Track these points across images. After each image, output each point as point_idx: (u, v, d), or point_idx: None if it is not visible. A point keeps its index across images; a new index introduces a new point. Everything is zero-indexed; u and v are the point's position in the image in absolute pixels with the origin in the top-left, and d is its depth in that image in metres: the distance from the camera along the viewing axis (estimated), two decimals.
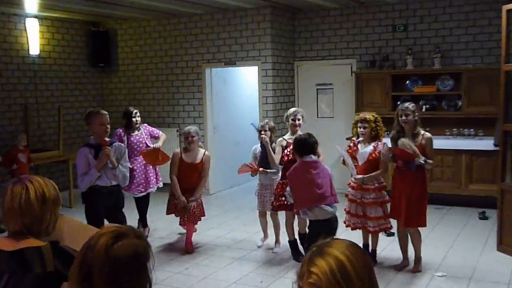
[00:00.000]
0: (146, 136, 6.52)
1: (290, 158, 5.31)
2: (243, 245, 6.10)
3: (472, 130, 7.65)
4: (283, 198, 5.32)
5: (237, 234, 6.59)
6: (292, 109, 5.68)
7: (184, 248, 5.98)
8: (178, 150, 6.06)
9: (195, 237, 6.18)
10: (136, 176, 6.34)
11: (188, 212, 5.83)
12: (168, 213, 6.05)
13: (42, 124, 8.80)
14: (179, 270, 5.39)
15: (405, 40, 8.25)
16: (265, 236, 6.06)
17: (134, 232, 1.60)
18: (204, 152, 6.03)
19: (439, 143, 7.41)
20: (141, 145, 6.45)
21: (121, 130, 6.45)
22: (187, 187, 5.90)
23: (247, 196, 8.21)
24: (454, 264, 5.35)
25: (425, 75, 8.02)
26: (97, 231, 1.59)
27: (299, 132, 5.41)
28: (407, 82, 8.12)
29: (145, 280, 1.57)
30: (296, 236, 5.63)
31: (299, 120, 5.51)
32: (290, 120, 5.53)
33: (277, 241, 5.92)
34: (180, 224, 6.13)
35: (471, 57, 7.86)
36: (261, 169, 5.66)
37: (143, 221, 6.62)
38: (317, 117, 8.92)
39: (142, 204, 6.58)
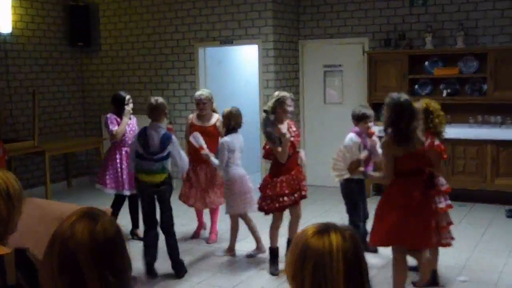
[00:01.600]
0: (134, 127, 6.45)
1: (271, 151, 5.20)
2: (241, 246, 6.09)
3: (499, 117, 7.65)
4: (283, 199, 5.18)
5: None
6: (283, 93, 5.30)
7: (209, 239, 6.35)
8: (191, 115, 6.45)
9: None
10: (126, 173, 6.31)
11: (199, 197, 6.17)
12: (181, 199, 6.33)
13: (15, 111, 8.79)
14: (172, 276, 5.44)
15: (423, 16, 8.23)
16: (259, 245, 5.84)
17: (98, 210, 1.72)
18: (218, 117, 6.26)
19: (462, 132, 7.43)
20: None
21: (115, 116, 6.31)
22: (201, 157, 5.97)
23: None
24: (478, 268, 5.38)
25: (446, 55, 8.01)
26: (67, 217, 1.66)
27: (288, 121, 5.29)
28: (426, 63, 8.11)
29: (128, 256, 1.70)
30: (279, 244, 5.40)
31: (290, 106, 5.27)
32: (286, 107, 5.14)
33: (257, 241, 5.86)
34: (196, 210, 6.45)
35: (499, 35, 7.84)
36: (204, 151, 5.65)
37: (137, 224, 6.56)
38: (324, 103, 8.92)
39: (134, 204, 6.47)
